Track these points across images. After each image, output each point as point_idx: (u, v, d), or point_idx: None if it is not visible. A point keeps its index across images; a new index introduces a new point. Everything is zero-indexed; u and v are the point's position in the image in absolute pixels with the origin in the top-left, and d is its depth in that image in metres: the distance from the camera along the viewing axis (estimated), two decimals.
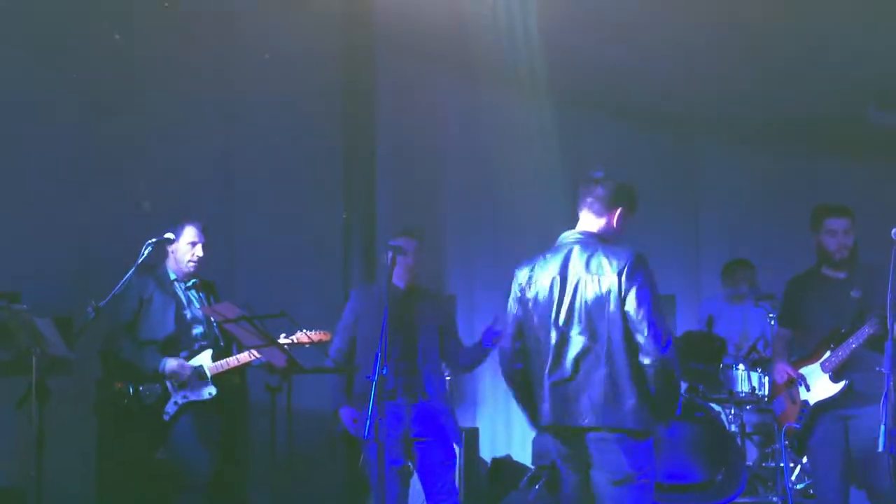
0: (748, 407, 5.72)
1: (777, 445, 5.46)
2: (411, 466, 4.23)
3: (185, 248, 4.22)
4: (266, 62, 5.61)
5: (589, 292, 3.10)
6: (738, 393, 5.59)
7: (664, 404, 3.09)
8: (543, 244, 6.73)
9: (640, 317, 3.01)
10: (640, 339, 3.00)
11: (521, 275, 3.35)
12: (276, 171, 5.82)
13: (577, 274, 3.15)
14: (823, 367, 4.21)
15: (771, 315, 5.65)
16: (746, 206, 7.14)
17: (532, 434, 6.37)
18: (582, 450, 3.14)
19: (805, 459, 5.55)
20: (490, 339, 4.32)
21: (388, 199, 6.27)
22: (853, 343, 4.06)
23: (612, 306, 3.06)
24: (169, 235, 4.17)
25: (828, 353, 4.20)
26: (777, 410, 4.64)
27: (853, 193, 6.36)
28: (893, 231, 3.72)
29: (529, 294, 3.26)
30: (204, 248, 4.24)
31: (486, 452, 6.22)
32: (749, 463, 5.69)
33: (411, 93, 6.50)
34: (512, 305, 3.35)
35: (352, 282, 5.81)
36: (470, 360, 4.51)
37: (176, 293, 4.25)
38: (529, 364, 3.28)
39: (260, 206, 5.75)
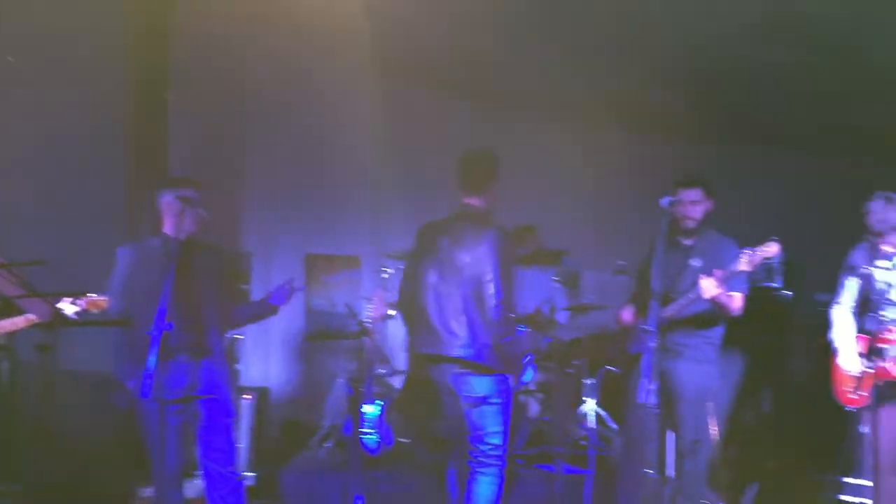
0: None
1: (554, 400, 5.83)
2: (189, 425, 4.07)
3: None
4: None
5: (463, 256, 3.98)
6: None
7: (504, 345, 3.93)
8: (348, 207, 6.80)
9: (489, 278, 3.90)
10: (489, 294, 3.90)
11: (417, 235, 4.25)
12: (53, 119, 5.35)
13: (455, 240, 4.03)
14: (648, 325, 4.48)
15: (556, 279, 5.98)
16: (552, 179, 7.44)
17: (325, 393, 6.39)
18: (446, 377, 4.03)
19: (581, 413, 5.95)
20: (281, 297, 4.26)
21: (181, 152, 5.96)
22: (672, 309, 4.32)
23: (477, 268, 3.94)
24: None
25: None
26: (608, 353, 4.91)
27: (640, 166, 6.85)
28: (662, 201, 4.04)
29: (419, 252, 4.16)
30: None
31: (277, 412, 6.15)
32: (531, 416, 6.02)
33: (212, 40, 6.19)
34: (408, 260, 4.29)
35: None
36: (252, 315, 4.38)
37: None
38: (413, 306, 4.15)
39: (36, 157, 5.27)
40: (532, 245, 6.43)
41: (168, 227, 4.04)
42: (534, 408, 6.16)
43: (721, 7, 5.07)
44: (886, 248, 4.07)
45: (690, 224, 4.42)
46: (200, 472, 4.06)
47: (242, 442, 5.11)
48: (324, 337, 6.67)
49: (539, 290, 6.45)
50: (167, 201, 4.02)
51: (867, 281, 4.22)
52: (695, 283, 4.27)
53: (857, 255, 4.28)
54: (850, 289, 4.30)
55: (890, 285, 4.08)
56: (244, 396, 5.26)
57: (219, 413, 4.02)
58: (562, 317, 6.29)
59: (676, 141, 6.95)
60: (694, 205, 4.39)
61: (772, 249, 4.03)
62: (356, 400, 5.49)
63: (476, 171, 4.19)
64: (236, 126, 6.49)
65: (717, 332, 4.47)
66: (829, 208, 4.35)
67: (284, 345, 6.64)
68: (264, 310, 4.32)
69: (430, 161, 6.87)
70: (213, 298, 4.08)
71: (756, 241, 4.68)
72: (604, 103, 6.58)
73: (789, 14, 4.95)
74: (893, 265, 4.10)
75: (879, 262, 4.16)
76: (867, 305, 4.25)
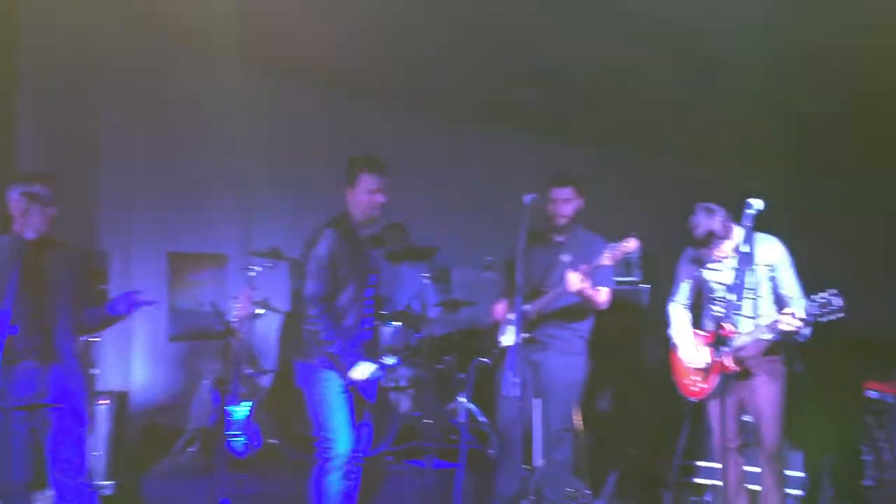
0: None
1: (425, 396, 5.88)
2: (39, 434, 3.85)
3: None
4: None
5: None
6: (392, 348, 5.87)
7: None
8: (215, 205, 6.58)
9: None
10: None
11: None
12: None
13: None
14: (514, 319, 4.56)
15: (425, 275, 6.02)
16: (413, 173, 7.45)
17: (190, 395, 6.20)
18: None
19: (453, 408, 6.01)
20: (120, 306, 4.00)
21: (31, 146, 5.60)
22: (541, 302, 4.45)
23: None
24: None
25: (528, 307, 4.56)
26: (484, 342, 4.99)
27: (508, 163, 6.98)
28: (526, 198, 4.15)
29: None
30: None
31: (138, 417, 5.90)
32: (402, 412, 6.04)
33: (65, 31, 5.84)
34: None
35: None
36: (94, 322, 4.11)
37: None
38: None
39: None
40: (401, 242, 6.46)
41: (16, 225, 3.81)
42: (405, 404, 6.19)
43: (595, 11, 5.20)
44: (714, 254, 4.31)
45: (562, 221, 4.57)
46: (50, 484, 3.85)
47: (100, 449, 4.89)
48: (188, 337, 6.45)
49: (410, 286, 6.49)
50: (14, 198, 3.80)
51: (700, 281, 4.48)
52: (563, 278, 4.42)
53: (689, 255, 4.53)
54: (685, 288, 4.56)
55: (721, 284, 4.33)
56: (100, 402, 5.02)
57: (69, 421, 3.81)
58: (433, 313, 6.34)
59: (543, 140, 7.11)
60: (566, 202, 4.55)
61: (631, 245, 4.20)
62: (222, 401, 5.35)
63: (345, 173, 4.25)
64: (92, 121, 6.16)
65: (587, 326, 4.62)
66: (684, 206, 4.58)
67: (147, 346, 6.37)
68: (104, 318, 4.06)
69: (303, 159, 6.78)
70: (64, 300, 3.87)
71: (617, 236, 4.87)
72: (472, 101, 6.66)
73: (655, 22, 5.13)
74: (723, 267, 4.35)
75: (710, 265, 4.41)
76: (702, 303, 4.51)
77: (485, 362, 4.76)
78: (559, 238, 4.64)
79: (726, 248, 4.24)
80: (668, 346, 4.63)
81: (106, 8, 5.94)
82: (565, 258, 4.55)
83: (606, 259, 4.23)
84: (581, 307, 4.49)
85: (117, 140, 6.27)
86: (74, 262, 4.00)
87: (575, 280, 4.27)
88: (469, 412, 5.92)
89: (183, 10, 5.50)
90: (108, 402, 5.07)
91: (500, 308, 4.79)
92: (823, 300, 3.73)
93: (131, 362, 6.26)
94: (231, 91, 6.32)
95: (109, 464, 4.99)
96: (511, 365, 3.89)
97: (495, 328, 4.80)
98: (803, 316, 3.80)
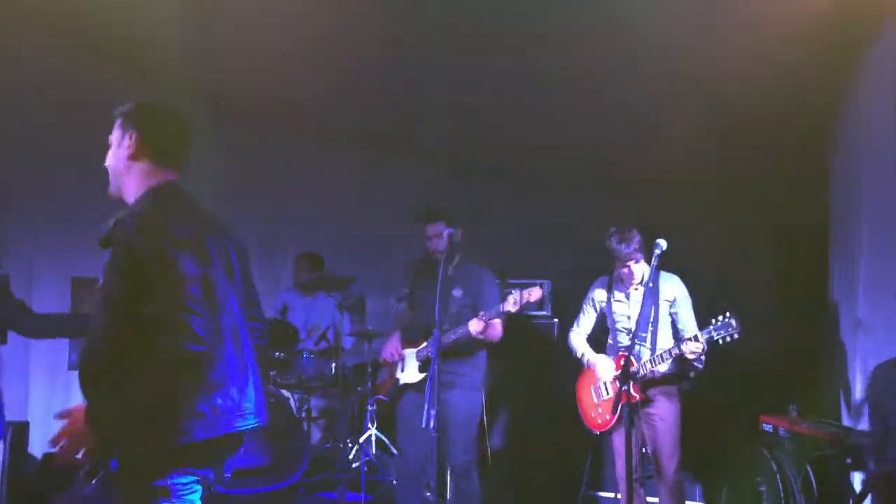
0: (316, 392, 6.03)
1: (338, 427, 5.86)
2: None
3: None
4: None
5: None
6: (306, 379, 5.85)
7: None
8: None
9: None
10: None
11: None
12: None
13: None
14: (417, 355, 4.64)
15: (341, 304, 6.03)
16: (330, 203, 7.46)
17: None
18: None
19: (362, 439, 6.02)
20: None
21: None
22: (446, 340, 4.45)
23: None
24: None
25: (424, 344, 4.62)
26: (378, 379, 5.00)
27: (423, 196, 7.03)
28: (445, 231, 4.23)
29: None
30: None
31: (37, 448, 5.68)
32: (313, 444, 6.01)
33: None
34: None
35: None
36: None
37: None
38: None
39: None
40: (309, 271, 6.45)
41: None
42: (317, 435, 6.16)
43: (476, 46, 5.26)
44: (623, 281, 4.53)
45: (439, 256, 4.55)
46: None
47: None
48: None
49: (324, 315, 6.48)
50: None
51: (605, 310, 4.69)
52: (459, 314, 4.52)
53: (597, 287, 4.74)
54: (588, 317, 4.75)
55: (625, 316, 4.55)
56: None
57: None
58: (347, 343, 6.35)
59: (454, 174, 7.19)
60: (439, 237, 4.59)
61: (536, 293, 4.33)
62: None
63: None
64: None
65: (483, 357, 4.72)
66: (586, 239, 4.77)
67: (46, 375, 6.13)
68: None
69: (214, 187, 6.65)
70: None
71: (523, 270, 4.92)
72: (387, 136, 6.70)
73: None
74: (626, 297, 4.57)
75: (616, 295, 4.63)
76: (606, 333, 4.72)
77: (384, 399, 4.80)
78: (447, 272, 4.70)
79: (636, 278, 4.46)
80: (574, 379, 4.78)
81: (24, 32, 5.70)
82: (457, 293, 4.61)
83: (510, 305, 4.33)
84: (476, 342, 4.56)
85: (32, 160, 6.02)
86: None
87: (477, 326, 4.39)
88: (380, 442, 5.95)
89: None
90: (6, 431, 4.86)
91: (391, 345, 4.84)
92: (722, 321, 3.98)
93: (31, 391, 6.02)
94: None
95: (5, 496, 4.78)
96: (428, 398, 3.93)
97: (391, 365, 4.84)
98: (702, 340, 4.05)
